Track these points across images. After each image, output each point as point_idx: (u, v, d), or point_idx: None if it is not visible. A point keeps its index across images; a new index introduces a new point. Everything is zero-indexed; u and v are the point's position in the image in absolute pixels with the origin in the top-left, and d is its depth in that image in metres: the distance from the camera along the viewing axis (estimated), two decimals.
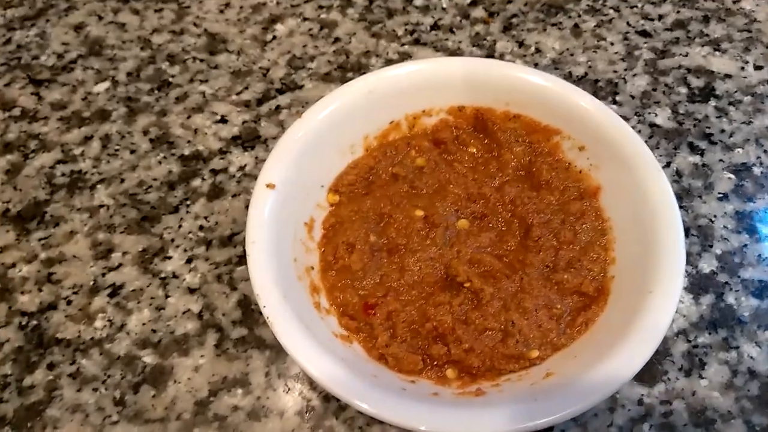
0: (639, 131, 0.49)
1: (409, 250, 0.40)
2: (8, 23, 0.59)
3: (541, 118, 0.44)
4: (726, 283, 0.43)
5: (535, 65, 0.55)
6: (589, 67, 0.55)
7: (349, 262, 0.39)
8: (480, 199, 0.42)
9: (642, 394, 0.38)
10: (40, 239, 0.45)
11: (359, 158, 0.44)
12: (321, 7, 0.60)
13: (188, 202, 0.47)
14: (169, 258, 0.44)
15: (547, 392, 0.33)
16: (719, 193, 0.47)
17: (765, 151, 0.49)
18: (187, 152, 0.50)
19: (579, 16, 0.59)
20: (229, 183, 0.48)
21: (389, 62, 0.55)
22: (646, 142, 0.40)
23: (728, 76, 0.54)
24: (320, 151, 0.42)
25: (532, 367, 0.36)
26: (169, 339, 0.41)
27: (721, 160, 0.49)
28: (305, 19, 0.59)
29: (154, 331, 0.41)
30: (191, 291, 0.43)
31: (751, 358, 0.40)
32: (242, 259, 0.44)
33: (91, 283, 0.43)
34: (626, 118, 0.46)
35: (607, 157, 0.41)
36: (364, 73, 0.45)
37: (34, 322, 0.42)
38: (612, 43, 0.57)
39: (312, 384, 0.39)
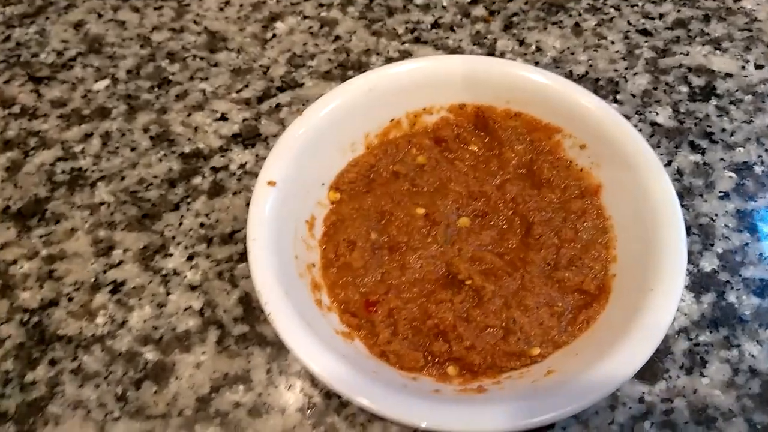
0: (640, 130, 0.49)
1: (410, 248, 0.40)
2: (8, 20, 0.59)
3: (542, 116, 0.44)
4: (727, 281, 0.43)
5: (536, 64, 0.55)
6: (590, 65, 0.55)
7: (351, 260, 0.39)
8: (481, 197, 0.42)
9: (643, 392, 0.38)
10: (41, 236, 0.45)
11: (360, 156, 0.44)
12: (321, 5, 0.60)
13: (189, 200, 0.47)
14: (170, 255, 0.44)
15: (548, 389, 0.33)
16: (720, 191, 0.47)
17: (766, 150, 0.49)
18: (187, 150, 0.50)
19: (580, 14, 0.59)
20: (230, 181, 0.48)
21: (389, 60, 0.55)
22: (647, 141, 0.40)
23: (729, 75, 0.54)
24: (321, 148, 0.42)
25: (533, 365, 0.36)
26: (171, 336, 0.41)
27: (722, 159, 0.49)
28: (305, 17, 0.59)
29: (155, 327, 0.41)
30: (192, 288, 0.43)
31: (752, 356, 0.40)
32: (243, 257, 0.44)
33: (93, 280, 0.43)
34: (627, 117, 0.46)
35: (609, 156, 0.41)
36: (364, 71, 0.45)
37: (36, 319, 0.42)
38: (613, 42, 0.57)
39: (313, 381, 0.39)
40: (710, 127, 0.51)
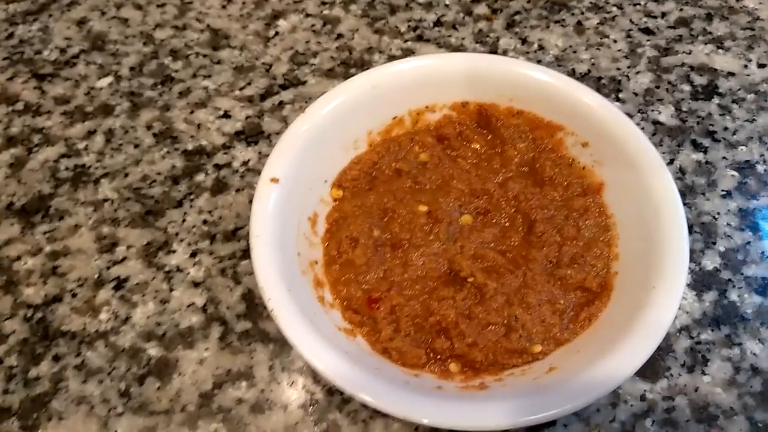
0: (642, 129, 0.49)
1: (413, 245, 0.40)
2: (11, 18, 0.59)
3: (544, 114, 0.44)
4: (729, 280, 0.43)
5: (538, 62, 0.55)
6: (592, 64, 0.55)
7: (353, 257, 0.40)
8: (483, 195, 0.42)
9: (644, 390, 0.39)
10: (44, 232, 0.45)
11: (362, 153, 0.44)
12: (324, 3, 0.60)
13: (192, 197, 0.47)
14: (174, 252, 0.44)
15: (550, 387, 0.33)
16: (722, 190, 0.47)
17: None
18: (190, 147, 0.50)
19: (582, 13, 0.59)
20: (233, 178, 0.48)
21: (392, 58, 0.55)
22: (649, 139, 0.40)
23: (731, 73, 0.54)
24: (324, 146, 0.42)
25: (535, 362, 0.36)
26: (174, 332, 0.41)
27: (724, 158, 0.49)
28: (308, 15, 0.59)
29: (158, 324, 0.41)
30: (195, 285, 0.43)
31: (754, 354, 0.40)
32: (246, 254, 0.44)
33: (96, 276, 0.43)
34: (629, 116, 0.46)
35: (611, 154, 0.41)
36: (366, 69, 0.45)
37: (40, 315, 0.42)
38: (615, 41, 0.57)
39: (315, 377, 0.39)
40: (712, 125, 0.51)
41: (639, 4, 0.60)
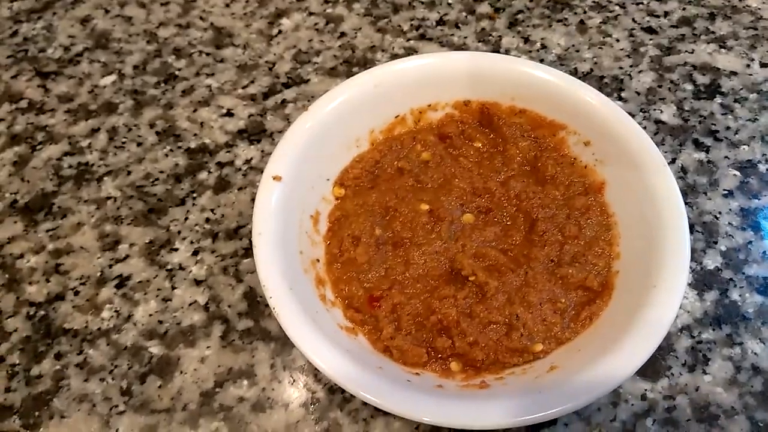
0: (644, 128, 0.49)
1: (414, 244, 0.40)
2: (15, 16, 0.59)
3: (546, 113, 0.44)
4: (730, 279, 0.43)
5: (541, 61, 0.55)
6: (595, 63, 0.55)
7: (355, 255, 0.40)
8: (485, 194, 0.42)
9: (645, 389, 0.39)
10: (47, 230, 0.45)
11: (365, 152, 0.44)
12: (327, 1, 0.60)
13: (195, 195, 0.47)
14: (176, 250, 0.44)
15: (551, 386, 0.33)
16: (724, 189, 0.47)
17: None
18: (193, 145, 0.50)
19: (584, 12, 0.59)
20: (235, 176, 0.48)
21: (395, 57, 0.55)
22: (651, 138, 0.40)
23: (734, 73, 0.54)
24: (326, 144, 0.42)
25: (536, 361, 0.37)
26: (176, 330, 0.41)
27: (726, 157, 0.49)
28: (311, 14, 0.59)
29: (160, 322, 0.41)
30: (197, 283, 0.43)
31: (755, 354, 0.40)
32: (248, 252, 0.44)
33: (98, 274, 0.43)
34: (632, 115, 0.46)
35: (613, 153, 0.41)
36: (369, 67, 0.45)
37: (42, 313, 0.42)
38: (617, 40, 0.57)
39: (317, 376, 0.39)
40: (715, 125, 0.51)
41: (641, 3, 0.60)
